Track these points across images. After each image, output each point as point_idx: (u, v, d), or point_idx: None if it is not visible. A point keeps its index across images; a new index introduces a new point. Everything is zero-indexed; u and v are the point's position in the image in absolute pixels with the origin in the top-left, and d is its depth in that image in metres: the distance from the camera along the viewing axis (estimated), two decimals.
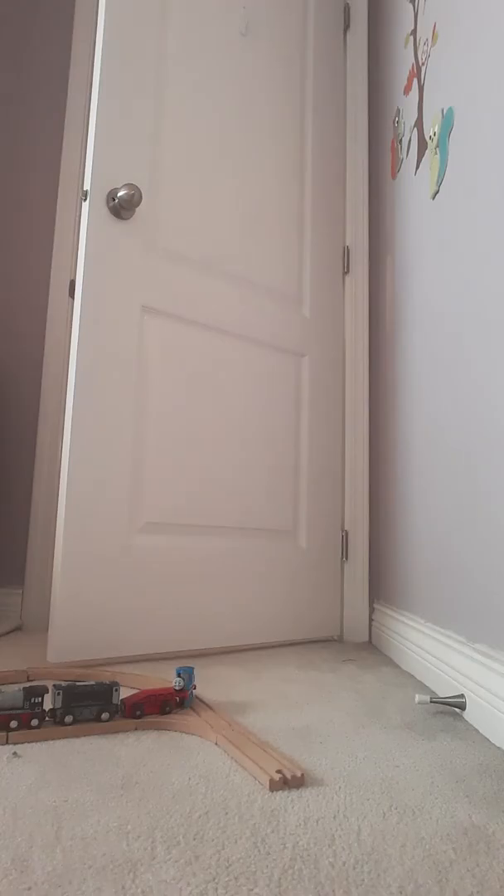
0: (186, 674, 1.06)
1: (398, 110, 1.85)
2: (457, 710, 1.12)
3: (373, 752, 0.91)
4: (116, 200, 1.56)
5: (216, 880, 0.57)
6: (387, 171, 1.96)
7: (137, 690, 1.04)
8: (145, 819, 0.68)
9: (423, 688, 1.32)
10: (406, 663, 1.48)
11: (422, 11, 1.66)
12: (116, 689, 0.98)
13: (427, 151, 1.55)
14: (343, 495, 1.99)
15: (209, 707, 1.06)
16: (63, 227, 2.21)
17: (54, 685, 0.95)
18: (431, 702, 1.11)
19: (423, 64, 1.63)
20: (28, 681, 1.25)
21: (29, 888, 0.55)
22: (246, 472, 1.78)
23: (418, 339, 1.61)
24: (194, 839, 0.64)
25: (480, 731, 1.02)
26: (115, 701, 0.97)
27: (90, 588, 1.46)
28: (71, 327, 1.57)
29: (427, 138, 1.55)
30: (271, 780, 0.77)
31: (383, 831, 0.67)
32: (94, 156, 1.56)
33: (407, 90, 1.76)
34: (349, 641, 1.88)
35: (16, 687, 0.95)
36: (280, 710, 1.11)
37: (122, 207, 1.57)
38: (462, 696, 1.10)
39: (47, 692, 0.94)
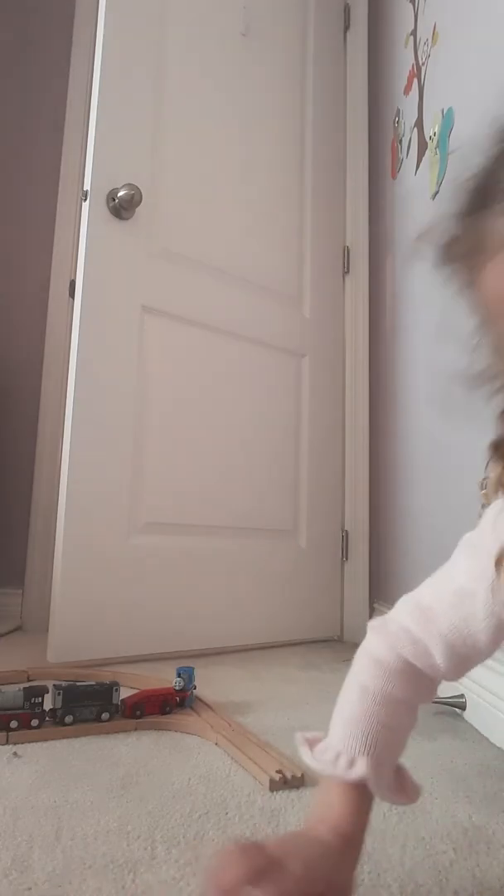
0: (186, 674, 1.06)
1: (398, 110, 1.85)
2: (457, 710, 1.12)
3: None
4: (116, 200, 1.56)
5: None
6: (387, 171, 1.95)
7: (137, 690, 1.04)
8: (145, 819, 0.68)
9: None
10: None
11: (422, 11, 1.66)
12: (116, 689, 0.98)
13: (427, 151, 1.55)
14: (343, 495, 1.99)
15: (209, 707, 1.06)
16: (63, 227, 2.21)
17: (54, 685, 0.95)
18: (432, 702, 1.11)
19: (423, 64, 1.63)
20: (28, 681, 1.25)
21: (29, 888, 0.55)
22: (246, 472, 1.78)
23: (418, 338, 1.61)
24: (194, 839, 0.64)
25: (480, 731, 1.02)
26: (115, 701, 0.97)
27: (90, 588, 1.46)
28: (71, 327, 1.57)
29: (427, 138, 1.55)
30: (271, 780, 0.77)
31: (383, 831, 0.67)
32: (94, 156, 1.56)
33: (407, 90, 1.76)
34: (349, 641, 1.88)
35: (16, 687, 0.95)
36: (280, 710, 1.11)
37: (122, 207, 1.57)
38: (462, 696, 1.10)
39: (47, 692, 0.94)
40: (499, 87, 1.18)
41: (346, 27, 2.20)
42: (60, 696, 0.94)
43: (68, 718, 0.93)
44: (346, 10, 2.20)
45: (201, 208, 1.76)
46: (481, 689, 1.05)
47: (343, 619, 1.92)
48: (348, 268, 2.08)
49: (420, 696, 0.54)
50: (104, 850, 0.61)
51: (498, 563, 0.47)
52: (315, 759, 0.52)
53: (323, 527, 1.93)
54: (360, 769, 0.49)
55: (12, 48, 2.32)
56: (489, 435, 0.48)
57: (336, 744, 0.51)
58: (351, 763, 0.50)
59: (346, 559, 1.95)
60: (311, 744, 0.54)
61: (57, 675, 1.26)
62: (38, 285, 2.20)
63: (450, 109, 1.41)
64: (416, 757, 0.90)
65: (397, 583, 1.70)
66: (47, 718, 0.93)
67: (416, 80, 1.68)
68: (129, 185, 1.54)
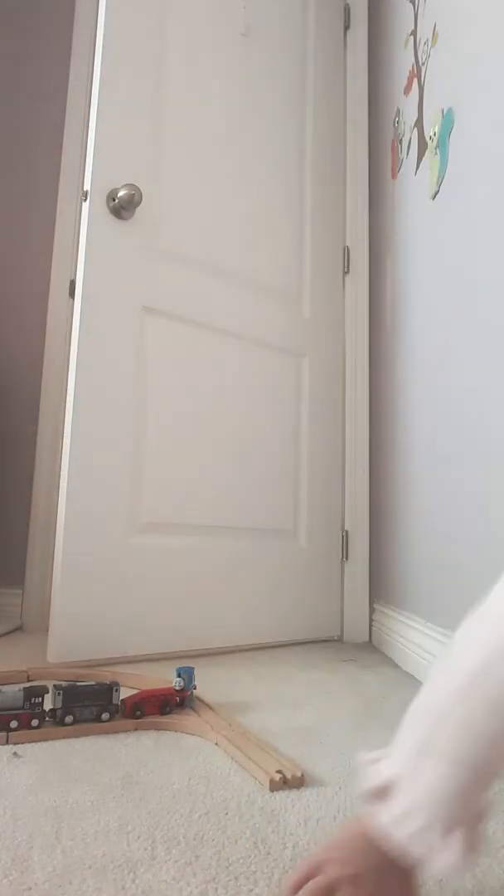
0: (186, 674, 1.06)
1: (398, 110, 1.85)
2: None
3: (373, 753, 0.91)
4: (117, 200, 1.56)
5: (216, 880, 0.57)
6: (387, 171, 1.95)
7: (137, 690, 1.04)
8: (145, 819, 0.68)
9: None
10: (406, 663, 1.48)
11: (422, 11, 1.66)
12: (116, 689, 0.98)
13: (427, 151, 1.55)
14: (343, 495, 1.99)
15: (209, 707, 1.06)
16: (63, 227, 2.20)
17: (54, 685, 0.95)
18: None
19: (423, 64, 1.63)
20: (28, 681, 1.25)
21: (29, 888, 0.55)
22: (246, 472, 1.78)
23: (418, 339, 1.61)
24: (194, 839, 0.64)
25: None
26: (115, 701, 0.97)
27: (90, 588, 1.46)
28: (71, 327, 1.57)
29: (427, 138, 1.55)
30: (271, 781, 0.77)
31: None
32: (95, 156, 1.56)
33: (407, 90, 1.76)
34: (349, 641, 1.88)
35: (16, 687, 0.95)
36: (280, 710, 1.11)
37: (122, 207, 1.57)
38: None
39: (47, 692, 0.94)
40: (499, 86, 1.18)
41: (347, 27, 2.20)
42: (60, 696, 0.94)
43: (68, 718, 0.93)
44: (346, 10, 2.20)
45: (201, 208, 1.76)
46: None
47: (343, 619, 1.92)
48: (348, 268, 2.08)
49: None
50: (104, 850, 0.61)
51: None
52: (392, 826, 0.44)
53: (323, 527, 1.93)
54: (452, 854, 0.40)
55: (12, 48, 2.32)
56: None
57: (420, 801, 0.43)
58: (443, 839, 0.41)
59: (346, 559, 1.95)
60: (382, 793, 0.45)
61: (57, 675, 1.26)
62: (39, 285, 2.19)
63: (450, 109, 1.41)
64: None
65: (397, 583, 1.70)
66: (47, 718, 0.93)
67: (416, 80, 1.68)
68: (129, 186, 1.54)
